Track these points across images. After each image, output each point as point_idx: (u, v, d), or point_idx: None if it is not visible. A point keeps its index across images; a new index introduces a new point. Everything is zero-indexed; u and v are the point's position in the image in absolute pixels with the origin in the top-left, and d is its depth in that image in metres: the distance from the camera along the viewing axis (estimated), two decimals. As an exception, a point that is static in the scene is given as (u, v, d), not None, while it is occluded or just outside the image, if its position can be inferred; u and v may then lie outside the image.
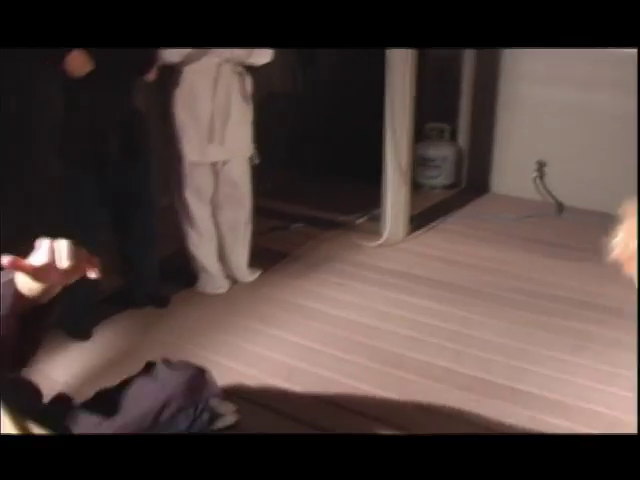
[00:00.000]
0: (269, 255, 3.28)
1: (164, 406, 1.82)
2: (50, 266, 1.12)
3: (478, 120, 4.31)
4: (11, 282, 1.17)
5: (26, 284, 1.13)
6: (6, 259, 1.09)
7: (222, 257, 3.08)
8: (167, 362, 1.97)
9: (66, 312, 2.64)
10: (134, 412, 1.80)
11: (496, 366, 2.42)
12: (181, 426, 1.83)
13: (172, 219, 2.94)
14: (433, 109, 4.21)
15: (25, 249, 1.12)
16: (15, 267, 1.11)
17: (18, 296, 1.15)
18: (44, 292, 1.16)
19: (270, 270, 3.19)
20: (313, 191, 4.23)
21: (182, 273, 3.09)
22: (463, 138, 4.43)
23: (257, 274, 3.13)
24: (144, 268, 2.85)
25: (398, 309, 2.83)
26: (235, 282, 3.10)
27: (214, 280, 3.03)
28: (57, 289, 1.18)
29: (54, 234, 1.16)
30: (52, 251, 1.13)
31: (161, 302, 2.88)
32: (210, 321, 2.77)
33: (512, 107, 4.11)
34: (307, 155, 4.43)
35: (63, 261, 1.11)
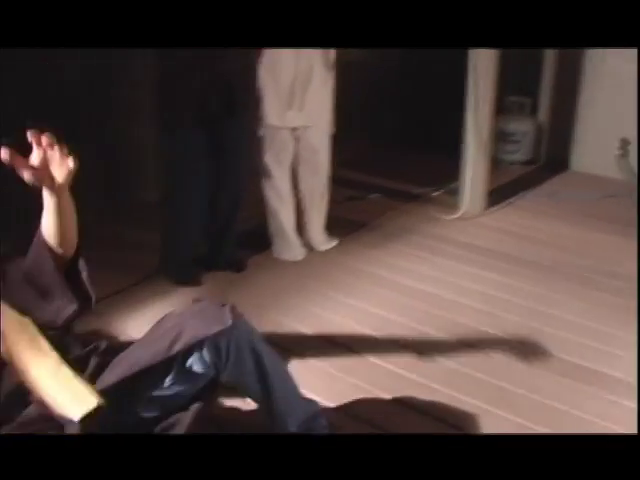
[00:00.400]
0: (345, 224, 3.26)
1: (177, 334, 1.65)
2: (43, 160, 1.48)
3: (560, 94, 4.16)
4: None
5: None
6: (5, 152, 1.38)
7: (299, 224, 3.08)
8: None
9: (174, 262, 2.79)
10: (147, 339, 1.73)
11: (575, 347, 2.35)
12: (196, 367, 1.68)
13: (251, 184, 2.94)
14: (515, 82, 4.07)
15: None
16: (12, 162, 1.42)
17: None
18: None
19: (346, 239, 3.16)
20: (390, 162, 4.17)
21: (257, 238, 3.10)
22: (544, 113, 4.28)
23: (333, 243, 3.12)
24: (227, 230, 2.86)
25: (475, 284, 2.77)
26: (311, 249, 3.09)
27: (291, 247, 3.03)
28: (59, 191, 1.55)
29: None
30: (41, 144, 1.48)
31: (238, 266, 2.91)
32: (285, 287, 2.77)
33: (597, 82, 3.95)
34: (384, 125, 4.37)
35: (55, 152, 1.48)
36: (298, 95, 2.76)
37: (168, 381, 1.67)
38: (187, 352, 1.64)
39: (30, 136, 1.51)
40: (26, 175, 1.55)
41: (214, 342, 1.64)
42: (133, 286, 2.78)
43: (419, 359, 2.28)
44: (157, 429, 1.70)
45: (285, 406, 1.80)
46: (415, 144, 4.21)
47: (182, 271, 2.82)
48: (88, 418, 1.60)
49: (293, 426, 1.80)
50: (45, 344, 1.89)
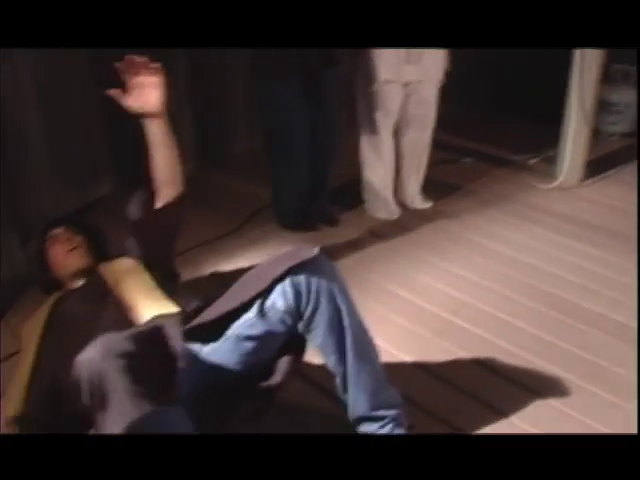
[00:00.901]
0: (439, 187, 3.19)
1: (261, 273, 1.64)
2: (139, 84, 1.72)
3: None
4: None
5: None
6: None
7: (396, 182, 3.05)
8: None
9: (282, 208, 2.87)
10: (235, 286, 1.72)
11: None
12: (279, 304, 1.60)
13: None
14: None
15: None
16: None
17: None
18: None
19: (441, 202, 3.11)
20: (485, 127, 4.04)
21: (349, 195, 3.10)
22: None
23: (429, 204, 3.07)
24: (321, 183, 2.86)
25: (572, 256, 2.68)
26: (405, 209, 3.06)
27: (386, 205, 3.01)
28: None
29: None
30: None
31: (331, 221, 2.91)
32: (380, 246, 2.75)
33: None
34: (481, 88, 4.23)
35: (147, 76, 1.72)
36: (416, 49, 2.67)
37: (254, 318, 1.62)
38: (270, 287, 1.59)
39: (124, 63, 1.69)
40: (126, 101, 1.78)
41: (295, 276, 1.56)
42: (232, 232, 2.84)
43: (512, 328, 2.23)
44: (253, 374, 1.71)
45: (358, 380, 1.66)
46: (512, 110, 4.04)
47: (291, 218, 2.86)
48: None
49: (362, 411, 1.68)
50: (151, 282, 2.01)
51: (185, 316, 1.75)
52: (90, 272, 2.09)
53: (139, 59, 1.70)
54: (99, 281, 2.02)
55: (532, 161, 3.55)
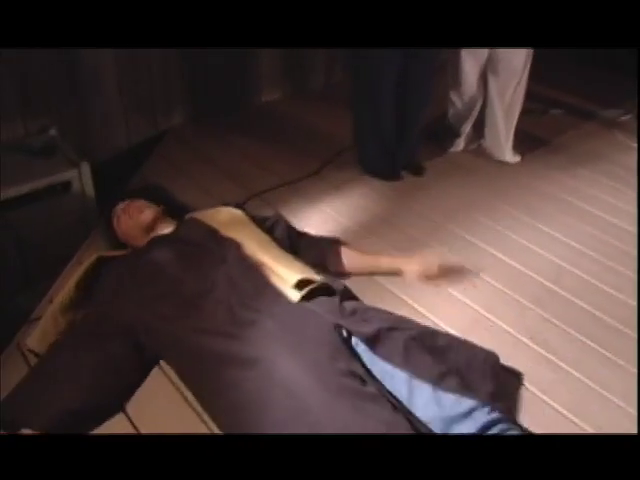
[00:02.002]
0: (526, 140, 2.92)
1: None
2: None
3: None
4: None
5: None
6: None
7: (484, 131, 2.82)
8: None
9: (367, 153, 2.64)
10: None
11: None
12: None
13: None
14: None
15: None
16: None
17: None
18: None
19: (530, 157, 2.85)
20: (576, 77, 3.72)
21: (435, 141, 2.89)
22: None
23: (518, 158, 2.82)
24: (409, 128, 2.61)
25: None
26: (490, 159, 2.83)
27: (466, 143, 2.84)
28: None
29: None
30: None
31: (417, 170, 2.69)
32: (468, 200, 2.52)
33: None
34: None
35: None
36: None
37: None
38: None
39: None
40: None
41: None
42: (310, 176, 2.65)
43: (608, 298, 2.04)
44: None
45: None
46: (606, 63, 3.72)
47: (375, 164, 2.64)
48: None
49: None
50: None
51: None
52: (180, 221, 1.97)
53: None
54: (196, 229, 1.88)
55: (625, 117, 3.25)
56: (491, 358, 1.66)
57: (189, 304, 1.63)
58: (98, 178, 2.39)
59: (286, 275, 1.64)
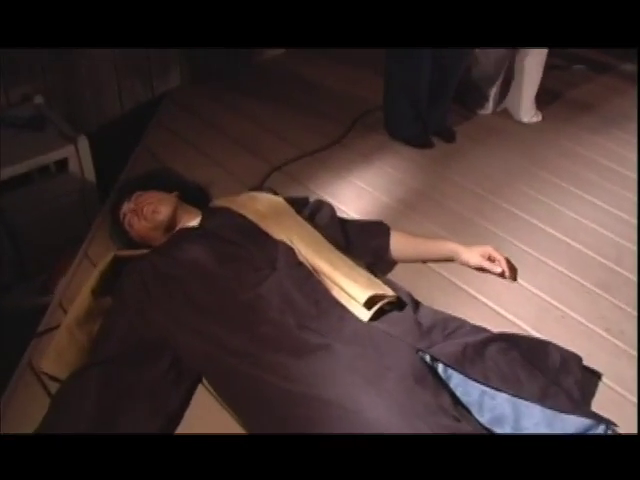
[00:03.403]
0: (549, 97, 2.64)
1: None
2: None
3: None
4: None
5: None
6: None
7: (505, 90, 2.55)
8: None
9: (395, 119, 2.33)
10: None
11: None
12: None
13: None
14: None
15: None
16: None
17: None
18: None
19: (558, 118, 2.57)
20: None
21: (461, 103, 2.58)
22: None
23: (539, 117, 2.54)
24: (444, 89, 2.30)
25: None
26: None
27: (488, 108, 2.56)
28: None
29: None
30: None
31: (448, 136, 2.38)
32: (506, 168, 2.24)
33: None
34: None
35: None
36: None
37: None
38: None
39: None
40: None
41: None
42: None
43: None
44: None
45: None
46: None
47: (404, 128, 2.33)
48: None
49: None
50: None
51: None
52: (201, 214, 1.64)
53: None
54: (230, 221, 1.56)
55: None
56: (577, 361, 1.43)
57: (233, 321, 1.31)
58: (94, 153, 2.03)
59: (352, 289, 1.33)
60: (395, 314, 1.32)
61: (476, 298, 1.68)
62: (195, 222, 1.60)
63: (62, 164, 1.92)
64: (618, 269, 1.83)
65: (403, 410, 1.13)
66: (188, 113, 2.44)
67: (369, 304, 1.30)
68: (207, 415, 1.34)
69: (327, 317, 1.28)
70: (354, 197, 2.03)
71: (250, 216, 1.51)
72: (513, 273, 1.75)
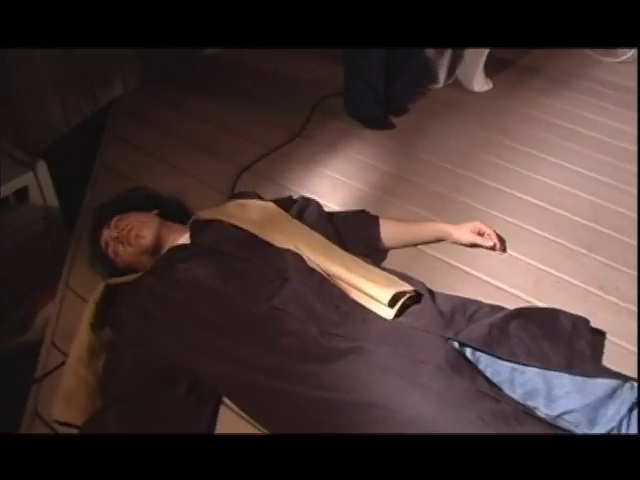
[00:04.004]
0: (497, 64, 2.65)
1: None
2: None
3: None
4: None
5: None
6: None
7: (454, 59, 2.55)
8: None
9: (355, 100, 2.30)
10: None
11: None
12: None
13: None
14: None
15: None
16: None
17: None
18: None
19: (503, 81, 2.60)
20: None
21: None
22: None
23: (490, 85, 2.56)
24: (401, 74, 2.30)
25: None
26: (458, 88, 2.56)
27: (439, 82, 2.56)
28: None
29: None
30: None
31: (401, 110, 2.37)
32: (468, 139, 2.24)
33: None
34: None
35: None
36: None
37: None
38: None
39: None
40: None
41: None
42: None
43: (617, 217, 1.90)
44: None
45: None
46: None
47: (366, 111, 2.30)
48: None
49: None
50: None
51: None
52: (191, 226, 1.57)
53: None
54: (223, 233, 1.49)
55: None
56: (586, 323, 1.46)
57: (251, 338, 1.27)
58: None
59: (373, 290, 1.30)
60: (416, 307, 1.31)
61: (471, 274, 1.69)
62: (184, 239, 1.53)
63: (21, 193, 1.78)
64: (598, 227, 1.88)
65: (446, 401, 1.13)
66: (139, 121, 2.31)
67: (391, 302, 1.28)
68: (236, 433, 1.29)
69: (351, 321, 1.25)
70: (330, 189, 1.99)
71: (245, 226, 1.45)
72: (502, 245, 1.77)
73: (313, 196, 1.87)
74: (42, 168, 1.78)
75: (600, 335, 1.50)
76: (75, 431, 1.28)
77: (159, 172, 2.03)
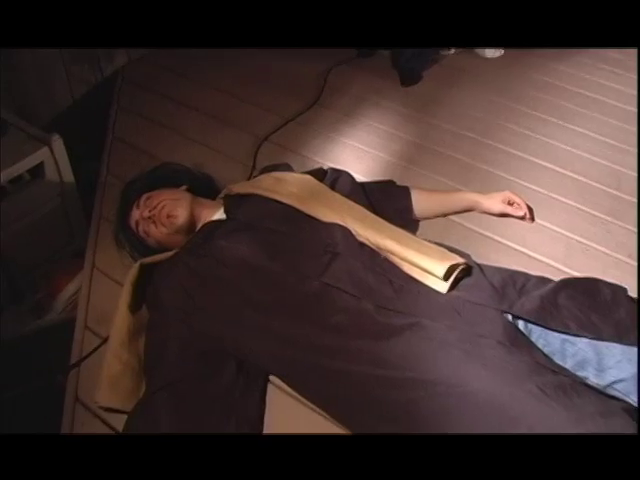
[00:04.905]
0: None
1: None
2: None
3: None
4: None
5: None
6: None
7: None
8: None
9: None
10: None
11: None
12: None
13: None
14: None
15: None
16: None
17: None
18: None
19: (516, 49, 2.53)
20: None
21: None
22: None
23: (501, 51, 2.52)
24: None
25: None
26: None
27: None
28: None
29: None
30: None
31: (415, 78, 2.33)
32: (485, 106, 2.20)
33: None
34: None
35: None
36: None
37: None
38: None
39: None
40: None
41: None
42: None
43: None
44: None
45: None
46: None
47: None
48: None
49: None
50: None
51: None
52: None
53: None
54: (262, 208, 1.44)
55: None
56: (624, 291, 1.46)
57: (301, 316, 1.22)
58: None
59: (427, 264, 1.25)
60: (468, 280, 1.28)
61: (503, 244, 1.68)
62: (218, 215, 1.47)
63: (36, 170, 1.70)
64: (621, 195, 1.86)
65: (507, 375, 1.11)
66: (149, 92, 2.22)
67: (445, 275, 1.25)
68: (286, 414, 1.27)
69: (405, 295, 1.22)
70: (353, 159, 1.94)
71: (286, 200, 1.40)
72: (532, 214, 1.76)
73: (337, 167, 1.82)
74: (57, 142, 1.69)
75: (634, 303, 1.50)
76: (121, 416, 1.24)
77: (176, 144, 1.96)
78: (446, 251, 1.32)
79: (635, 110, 2.23)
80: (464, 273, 1.29)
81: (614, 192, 1.87)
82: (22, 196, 1.69)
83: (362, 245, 1.30)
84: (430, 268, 1.25)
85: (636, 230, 1.74)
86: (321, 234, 1.32)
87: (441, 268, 1.24)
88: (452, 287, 1.26)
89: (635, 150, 2.03)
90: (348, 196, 1.53)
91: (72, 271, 1.78)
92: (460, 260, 1.29)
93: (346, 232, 1.31)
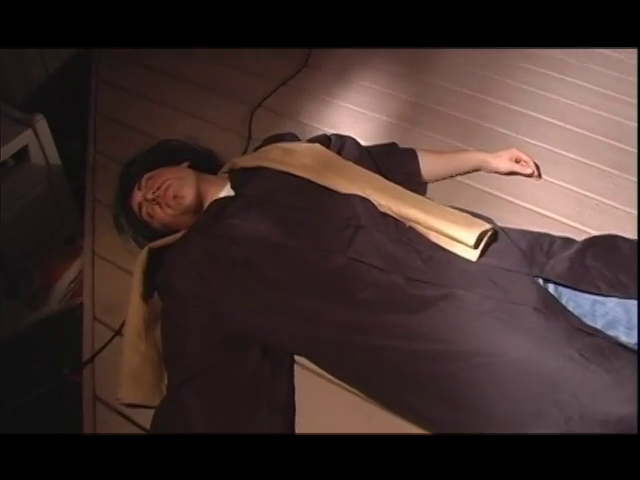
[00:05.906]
0: None
1: None
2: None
3: None
4: None
5: None
6: None
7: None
8: None
9: None
10: None
11: None
12: None
13: None
14: None
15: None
16: None
17: None
18: None
19: None
20: None
21: None
22: None
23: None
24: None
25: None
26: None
27: None
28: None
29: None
30: None
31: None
32: (476, 59, 2.11)
33: None
34: None
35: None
36: None
37: None
38: None
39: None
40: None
41: None
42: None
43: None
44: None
45: None
46: None
47: None
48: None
49: None
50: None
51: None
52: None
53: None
54: (274, 182, 1.36)
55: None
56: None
57: (328, 293, 1.17)
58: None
59: (455, 232, 1.21)
60: (496, 246, 1.24)
61: (515, 203, 1.63)
62: (225, 191, 1.40)
63: (20, 154, 1.59)
64: (625, 147, 1.82)
65: (546, 341, 1.08)
66: (130, 63, 2.09)
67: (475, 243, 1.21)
68: (317, 394, 1.22)
69: (435, 266, 1.18)
70: (351, 122, 1.86)
71: (299, 172, 1.33)
72: (539, 170, 1.72)
73: (333, 131, 1.75)
74: (41, 123, 1.57)
75: None
76: (144, 411, 1.19)
77: (166, 118, 1.85)
78: (471, 217, 1.28)
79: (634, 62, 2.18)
80: (491, 239, 1.25)
81: (617, 144, 1.83)
82: (8, 183, 1.58)
83: (385, 216, 1.24)
84: (459, 236, 1.20)
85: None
86: (341, 207, 1.25)
87: (471, 236, 1.19)
88: (481, 254, 1.22)
89: (634, 101, 1.99)
90: (357, 161, 1.47)
91: (67, 258, 1.69)
92: (487, 226, 1.24)
93: (367, 203, 1.25)
